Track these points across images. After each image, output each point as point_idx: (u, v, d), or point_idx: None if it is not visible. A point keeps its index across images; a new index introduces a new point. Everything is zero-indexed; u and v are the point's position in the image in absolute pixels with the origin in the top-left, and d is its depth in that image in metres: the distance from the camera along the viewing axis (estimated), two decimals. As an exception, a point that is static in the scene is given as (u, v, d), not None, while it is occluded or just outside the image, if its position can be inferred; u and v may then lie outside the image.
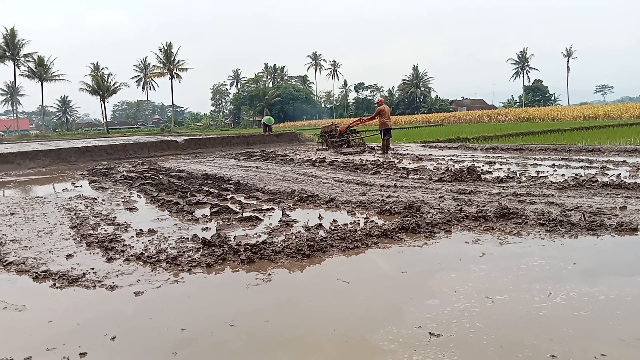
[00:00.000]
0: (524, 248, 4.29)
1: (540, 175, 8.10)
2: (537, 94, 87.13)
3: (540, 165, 9.58)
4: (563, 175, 8.09)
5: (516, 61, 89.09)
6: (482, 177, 8.06)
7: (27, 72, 68.03)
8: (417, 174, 9.13)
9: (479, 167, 9.52)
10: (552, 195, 6.33)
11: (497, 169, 9.45)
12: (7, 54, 64.48)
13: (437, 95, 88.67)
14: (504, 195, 6.44)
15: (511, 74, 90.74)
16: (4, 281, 4.12)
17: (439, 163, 10.92)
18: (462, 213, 5.45)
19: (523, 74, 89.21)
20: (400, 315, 3.04)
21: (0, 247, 5.18)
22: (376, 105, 16.16)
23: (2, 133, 69.63)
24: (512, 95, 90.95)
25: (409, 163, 11.34)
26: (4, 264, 4.55)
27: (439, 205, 6.01)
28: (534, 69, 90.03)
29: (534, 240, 4.49)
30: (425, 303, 3.21)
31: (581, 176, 7.66)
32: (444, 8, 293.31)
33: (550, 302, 3.08)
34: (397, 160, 11.89)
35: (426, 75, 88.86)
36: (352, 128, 18.65)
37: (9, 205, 8.17)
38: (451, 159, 11.60)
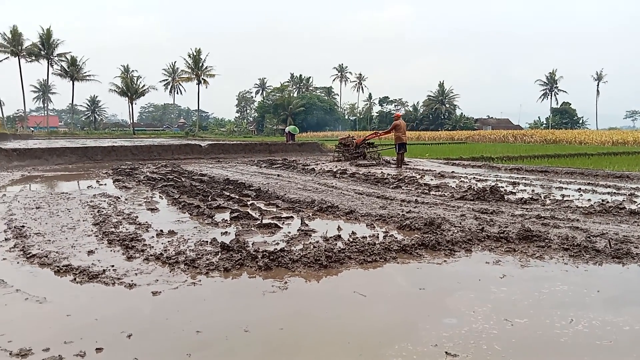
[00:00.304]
0: (546, 272, 4.19)
1: (565, 199, 7.94)
2: (564, 116, 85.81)
3: (565, 188, 9.40)
4: (589, 200, 7.92)
5: (545, 82, 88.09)
6: (506, 198, 7.95)
7: (59, 71, 69.98)
8: (438, 191, 9.05)
9: (503, 187, 9.38)
10: (577, 220, 6.20)
11: (521, 190, 9.30)
12: (42, 52, 66.45)
13: (462, 113, 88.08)
14: (527, 217, 6.33)
15: (539, 95, 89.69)
16: (27, 273, 4.19)
17: (461, 181, 10.80)
18: (483, 233, 5.37)
19: (551, 95, 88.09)
20: (416, 332, 3.00)
21: (25, 240, 5.29)
22: (394, 119, 16.30)
23: (32, 129, 71.54)
24: (538, 117, 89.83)
25: (431, 179, 11.25)
26: (28, 256, 4.64)
27: (460, 223, 5.94)
28: (563, 91, 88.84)
29: (557, 264, 4.39)
30: (442, 321, 3.16)
31: (608, 202, 7.48)
32: (475, 27, 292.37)
33: (571, 329, 3.00)
34: (419, 176, 11.81)
35: (452, 92, 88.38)
36: (369, 141, 18.75)
37: (35, 199, 8.35)
38: (474, 178, 11.47)
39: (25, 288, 3.75)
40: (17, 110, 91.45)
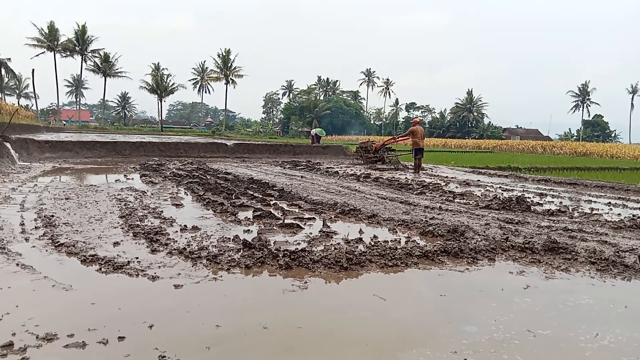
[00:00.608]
0: (572, 285, 4.10)
1: (594, 212, 7.75)
2: (596, 129, 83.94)
3: (595, 202, 9.17)
4: (619, 214, 7.72)
5: (576, 94, 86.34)
6: (532, 208, 7.80)
7: (92, 67, 71.69)
8: (463, 199, 8.95)
9: (529, 197, 9.22)
10: (606, 234, 6.04)
11: (548, 201, 9.13)
12: (77, 48, 68.21)
13: (490, 122, 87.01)
14: (553, 229, 6.20)
15: (570, 107, 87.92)
16: (54, 261, 4.30)
17: (487, 190, 10.66)
18: (507, 242, 5.29)
19: (583, 107, 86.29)
20: (435, 338, 2.97)
21: (54, 229, 5.43)
22: (412, 124, 16.46)
23: (64, 122, 73.41)
24: (569, 128, 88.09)
25: (456, 187, 11.12)
26: (56, 244, 4.76)
27: (484, 232, 5.86)
28: (595, 103, 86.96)
29: (583, 278, 4.29)
30: (462, 329, 3.12)
31: (639, 217, 7.28)
32: (508, 35, 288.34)
33: (597, 344, 2.93)
34: (444, 183, 11.70)
35: (480, 100, 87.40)
36: (388, 146, 18.90)
37: (65, 191, 8.57)
38: (500, 187, 11.30)
39: (53, 275, 3.85)
40: (51, 104, 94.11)
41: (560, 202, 8.94)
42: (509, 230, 6.03)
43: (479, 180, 12.87)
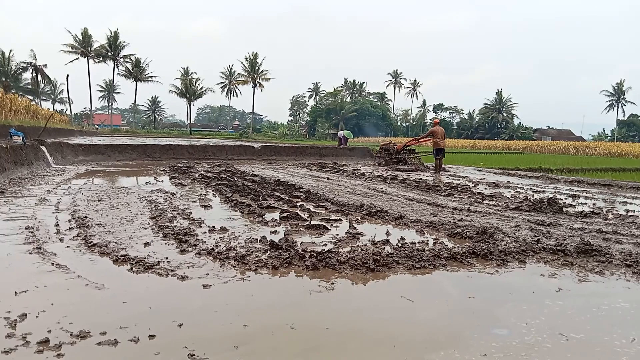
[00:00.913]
0: (607, 288, 3.99)
1: (629, 214, 7.51)
2: (632, 129, 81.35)
3: (630, 204, 8.89)
4: (656, 216, 7.46)
5: (611, 93, 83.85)
6: (564, 210, 7.61)
7: (124, 72, 73.42)
8: (492, 200, 8.80)
9: (561, 199, 9.00)
10: (642, 236, 5.85)
11: (581, 203, 8.89)
12: (109, 54, 69.98)
13: (520, 122, 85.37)
14: (587, 231, 6.04)
15: (604, 106, 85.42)
16: (88, 261, 4.41)
17: (517, 191, 10.45)
18: (539, 244, 5.17)
19: (618, 107, 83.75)
20: (464, 341, 2.93)
21: (87, 230, 5.57)
22: (431, 126, 16.70)
23: (97, 126, 75.33)
24: (603, 129, 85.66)
25: (485, 188, 10.95)
26: (89, 245, 4.89)
27: (514, 234, 5.75)
28: (631, 102, 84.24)
29: (618, 281, 4.16)
30: (492, 332, 3.06)
31: (677, 219, 7.01)
32: (538, 34, 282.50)
33: (633, 349, 2.83)
34: (473, 185, 11.53)
35: (510, 100, 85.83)
36: (409, 147, 19.04)
37: (98, 193, 8.79)
38: (530, 189, 11.07)
39: (86, 274, 3.95)
40: (84, 108, 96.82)
41: (594, 204, 8.70)
42: (540, 232, 5.90)
43: (508, 182, 12.64)
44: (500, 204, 8.30)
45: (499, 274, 4.30)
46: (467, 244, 5.20)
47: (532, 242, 5.28)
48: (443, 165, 16.21)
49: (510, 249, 4.96)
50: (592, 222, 6.77)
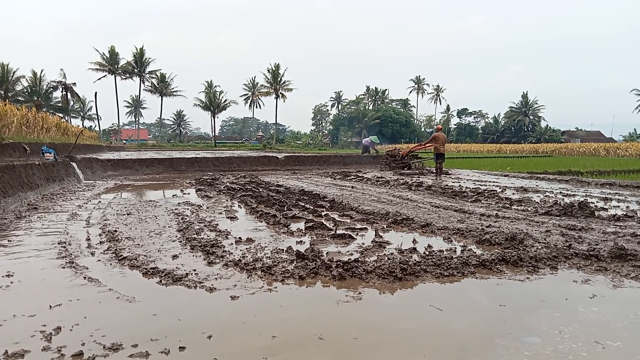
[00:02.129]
0: (643, 294, 3.86)
1: (665, 216, 7.27)
2: (664, 128, 78.84)
3: (665, 205, 8.61)
4: (694, 218, 7.20)
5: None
6: (596, 214, 7.42)
7: (150, 88, 74.99)
8: (521, 205, 8.64)
9: (593, 202, 8.78)
10: (680, 239, 5.65)
11: (613, 206, 8.65)
12: (135, 70, 71.64)
13: (547, 125, 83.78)
14: (620, 235, 5.87)
15: (635, 106, 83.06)
16: (118, 274, 4.50)
17: (546, 195, 10.24)
18: (570, 250, 5.05)
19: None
20: (494, 350, 2.87)
21: (117, 243, 5.68)
22: (435, 131, 17.55)
23: (124, 141, 77.03)
24: (634, 129, 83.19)
25: (513, 193, 10.76)
26: (119, 258, 4.98)
27: (545, 239, 5.63)
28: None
29: (656, 286, 4.03)
30: (524, 340, 3.00)
31: None
32: (564, 34, 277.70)
33: (673, 357, 2.73)
34: (500, 190, 11.35)
35: (536, 102, 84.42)
36: (414, 153, 20.17)
37: (126, 206, 8.96)
38: (560, 192, 10.83)
39: (117, 287, 4.03)
40: (112, 124, 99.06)
41: (627, 207, 8.46)
42: (571, 237, 5.77)
43: (536, 186, 12.40)
44: (529, 209, 8.15)
45: (530, 281, 4.21)
46: (496, 250, 5.12)
47: (564, 247, 5.16)
48: (443, 169, 17.27)
49: (541, 255, 4.85)
50: (625, 225, 6.58)
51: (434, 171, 17.13)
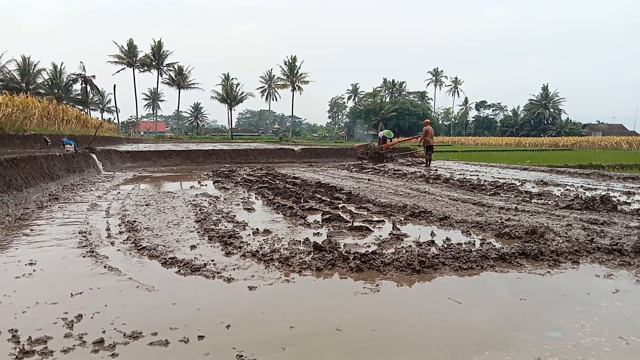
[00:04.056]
0: (668, 289, 3.77)
1: (690, 211, 7.10)
2: (689, 121, 76.92)
3: (691, 200, 8.40)
4: None
5: (665, 84, 79.53)
6: (619, 208, 7.28)
7: (167, 80, 75.49)
8: (541, 199, 8.51)
9: (615, 196, 8.61)
10: None
11: (636, 200, 8.47)
12: (153, 63, 72.18)
13: (568, 118, 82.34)
14: (644, 229, 5.75)
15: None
16: (137, 263, 4.55)
17: (566, 189, 10.07)
18: (592, 244, 4.96)
19: (673, 98, 79.39)
20: (515, 343, 2.83)
21: (136, 234, 5.75)
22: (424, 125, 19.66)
23: (142, 133, 77.85)
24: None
25: (532, 187, 10.61)
26: (139, 248, 5.04)
27: (566, 233, 5.53)
28: (688, 93, 79.64)
29: (682, 282, 3.93)
30: (544, 334, 2.95)
31: None
32: (585, 26, 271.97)
33: (701, 354, 2.66)
34: (519, 183, 11.19)
35: (557, 95, 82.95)
36: (395, 146, 23.40)
37: (145, 197, 9.06)
38: (581, 186, 10.64)
39: (136, 277, 4.08)
40: (130, 117, 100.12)
41: (651, 201, 8.27)
42: (593, 231, 5.66)
43: (557, 179, 12.20)
44: (549, 203, 8.02)
45: (551, 275, 4.15)
46: (516, 244, 5.05)
47: (586, 241, 5.07)
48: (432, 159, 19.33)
49: (563, 249, 4.78)
50: (649, 220, 6.43)
51: (416, 161, 19.73)
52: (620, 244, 4.93)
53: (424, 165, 18.36)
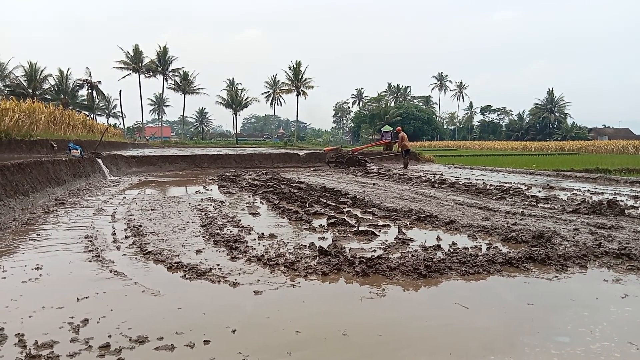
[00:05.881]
0: (678, 294, 3.73)
1: (699, 215, 7.04)
2: (696, 125, 76.44)
3: (699, 204, 8.33)
4: None
5: (672, 87, 79.19)
6: (626, 212, 7.23)
7: (173, 85, 75.91)
8: (547, 203, 8.47)
9: (622, 201, 8.55)
10: None
11: (643, 204, 8.41)
12: (159, 69, 72.57)
13: (573, 122, 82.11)
14: (652, 234, 5.70)
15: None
16: (143, 268, 4.55)
17: (573, 193, 10.02)
18: (600, 248, 4.92)
19: (680, 102, 78.98)
20: (522, 349, 2.81)
21: (142, 238, 5.75)
22: (396, 132, 22.33)
23: (148, 138, 78.14)
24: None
25: (539, 191, 10.56)
26: (144, 252, 5.04)
27: (574, 237, 5.49)
28: (694, 96, 79.24)
29: (691, 287, 3.89)
30: (552, 339, 2.92)
31: None
32: (590, 31, 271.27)
33: None
34: (525, 187, 11.14)
35: (562, 99, 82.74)
36: (363, 151, 23.70)
37: (151, 202, 9.08)
38: (588, 191, 10.58)
39: (142, 281, 4.07)
40: (136, 122, 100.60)
41: (659, 205, 8.21)
42: (601, 235, 5.62)
43: (563, 184, 12.14)
44: (556, 207, 7.98)
45: (559, 280, 4.12)
46: (523, 248, 5.02)
47: (593, 246, 5.04)
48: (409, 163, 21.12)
49: (570, 253, 4.74)
50: (657, 224, 6.38)
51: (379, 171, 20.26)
52: (629, 248, 4.88)
53: (402, 167, 20.27)
